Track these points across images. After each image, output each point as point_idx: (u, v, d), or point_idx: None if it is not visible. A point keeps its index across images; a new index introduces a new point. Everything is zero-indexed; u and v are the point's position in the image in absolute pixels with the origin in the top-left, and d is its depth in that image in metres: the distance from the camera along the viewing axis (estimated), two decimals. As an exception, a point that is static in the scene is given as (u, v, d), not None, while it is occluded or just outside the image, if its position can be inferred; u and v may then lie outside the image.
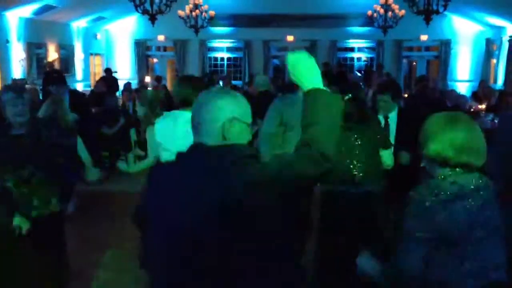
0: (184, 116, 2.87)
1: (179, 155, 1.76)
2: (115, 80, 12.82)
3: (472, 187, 1.91)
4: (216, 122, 1.68)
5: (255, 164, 1.64)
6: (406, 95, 10.11)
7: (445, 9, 9.17)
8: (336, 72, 12.34)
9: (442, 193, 1.89)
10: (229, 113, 1.69)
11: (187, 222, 1.62)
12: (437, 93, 9.27)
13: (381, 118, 4.16)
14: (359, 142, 3.57)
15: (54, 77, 10.29)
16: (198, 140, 1.72)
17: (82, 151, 4.49)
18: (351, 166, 3.55)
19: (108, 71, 13.11)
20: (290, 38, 15.65)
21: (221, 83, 10.70)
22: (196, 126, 1.72)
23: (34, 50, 11.89)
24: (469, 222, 1.88)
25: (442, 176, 1.95)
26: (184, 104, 3.07)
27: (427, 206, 1.87)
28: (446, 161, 1.95)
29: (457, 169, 1.94)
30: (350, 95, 3.51)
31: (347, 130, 3.48)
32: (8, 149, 3.07)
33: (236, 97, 1.74)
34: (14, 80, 10.59)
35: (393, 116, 4.22)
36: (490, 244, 1.92)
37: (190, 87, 3.10)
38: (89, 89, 12.91)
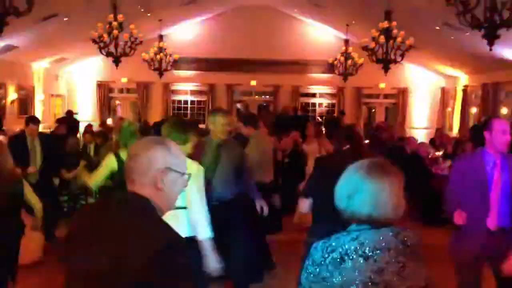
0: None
1: (114, 197, 1.74)
2: (76, 122, 12.61)
3: (376, 245, 1.71)
4: (148, 172, 1.65)
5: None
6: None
7: (402, 59, 9.54)
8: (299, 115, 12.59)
9: (334, 252, 1.73)
10: (162, 164, 1.66)
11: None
12: (394, 140, 9.53)
13: None
14: None
15: None
16: (133, 190, 1.67)
17: (31, 196, 4.28)
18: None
19: (69, 113, 12.90)
20: (253, 82, 15.89)
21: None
22: (129, 176, 1.68)
23: (-7, 90, 11.62)
24: (365, 281, 1.70)
25: (348, 230, 1.78)
26: None
27: (319, 263, 1.76)
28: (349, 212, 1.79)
29: (363, 225, 1.76)
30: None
31: None
32: None
33: (169, 147, 1.71)
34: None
35: None
36: None
37: None
38: (48, 131, 12.62)
